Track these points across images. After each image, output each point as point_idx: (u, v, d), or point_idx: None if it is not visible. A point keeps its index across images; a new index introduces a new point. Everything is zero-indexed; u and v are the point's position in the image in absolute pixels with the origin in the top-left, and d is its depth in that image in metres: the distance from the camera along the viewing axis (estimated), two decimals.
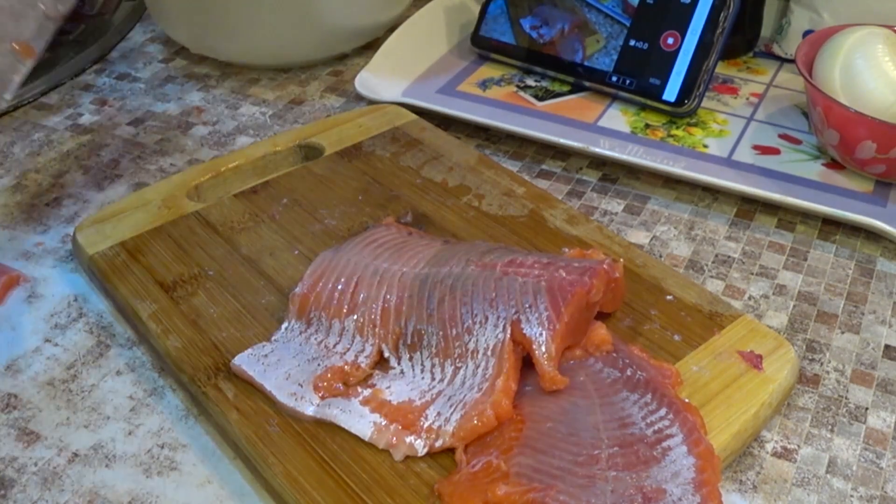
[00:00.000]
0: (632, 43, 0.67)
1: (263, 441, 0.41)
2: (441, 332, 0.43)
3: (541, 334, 0.41)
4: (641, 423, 0.39)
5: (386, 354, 0.45)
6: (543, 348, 0.41)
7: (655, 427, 0.39)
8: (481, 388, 0.41)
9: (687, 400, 0.41)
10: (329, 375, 0.43)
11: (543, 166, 0.63)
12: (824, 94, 0.57)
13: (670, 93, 0.65)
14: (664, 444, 0.38)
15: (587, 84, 0.69)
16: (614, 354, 0.43)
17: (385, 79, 0.70)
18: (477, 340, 0.42)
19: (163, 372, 0.47)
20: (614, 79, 0.67)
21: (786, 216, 0.58)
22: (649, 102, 0.66)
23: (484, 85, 0.71)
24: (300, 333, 0.46)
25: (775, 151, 0.62)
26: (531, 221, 0.54)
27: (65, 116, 0.70)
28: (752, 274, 0.54)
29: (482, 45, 0.73)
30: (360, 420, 0.41)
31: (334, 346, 0.45)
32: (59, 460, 0.43)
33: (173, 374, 0.46)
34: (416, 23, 0.76)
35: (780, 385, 0.43)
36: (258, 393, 0.43)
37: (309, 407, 0.42)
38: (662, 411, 0.40)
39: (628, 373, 0.41)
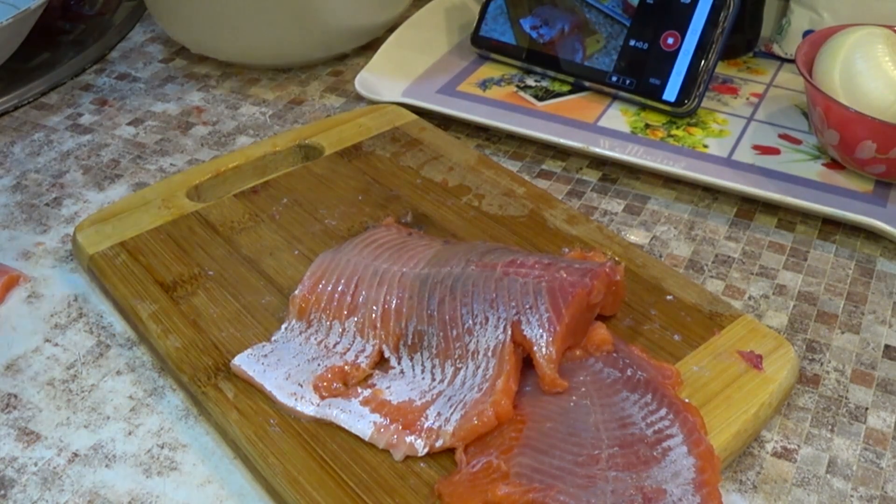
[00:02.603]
0: (632, 43, 0.67)
1: (263, 441, 0.41)
2: (441, 333, 0.43)
3: (541, 336, 0.41)
4: (641, 424, 0.39)
5: (386, 355, 0.45)
6: (544, 350, 0.41)
7: (655, 427, 0.39)
8: (481, 388, 0.41)
9: (687, 400, 0.41)
10: (329, 375, 0.43)
11: (543, 166, 0.63)
12: (824, 94, 0.57)
13: (670, 93, 0.65)
14: (664, 445, 0.38)
15: (587, 84, 0.69)
16: (614, 355, 0.43)
17: (385, 79, 0.70)
18: (477, 341, 0.42)
19: (163, 372, 0.47)
20: (614, 79, 0.67)
21: (786, 216, 0.58)
22: (649, 102, 0.66)
23: (484, 85, 0.71)
24: (300, 333, 0.46)
25: (775, 151, 0.62)
26: (531, 221, 0.54)
27: (65, 116, 0.70)
28: (752, 274, 0.54)
29: (482, 45, 0.73)
30: (360, 420, 0.41)
31: (334, 346, 0.45)
32: (59, 460, 0.43)
33: (173, 374, 0.46)
34: (416, 23, 0.76)
35: (780, 385, 0.43)
36: (258, 393, 0.43)
37: (309, 407, 0.42)
38: (662, 411, 0.40)
39: (628, 373, 0.41)
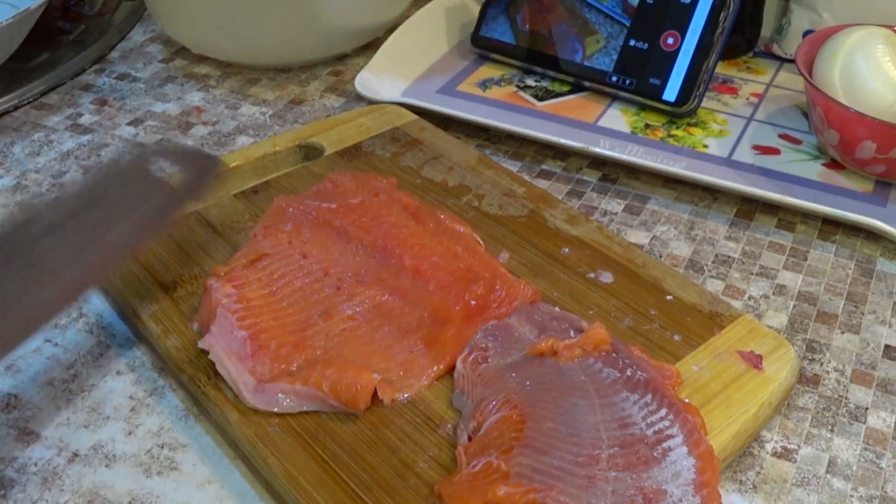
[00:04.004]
0: (632, 43, 0.67)
1: (263, 441, 0.41)
2: None
3: None
4: (642, 424, 0.39)
5: None
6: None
7: (656, 427, 0.39)
8: None
9: (687, 400, 0.41)
10: None
11: (543, 166, 0.63)
12: (824, 94, 0.57)
13: (670, 93, 0.65)
14: (664, 445, 0.38)
15: (587, 84, 0.69)
16: (614, 354, 0.43)
17: (385, 79, 0.70)
18: None
19: (163, 372, 0.47)
20: (614, 79, 0.67)
21: (786, 216, 0.58)
22: (649, 102, 0.66)
23: (484, 85, 0.71)
24: None
25: (775, 151, 0.62)
26: (531, 221, 0.54)
27: (65, 116, 0.70)
28: (752, 274, 0.54)
29: (482, 45, 0.73)
30: None
31: None
32: (59, 460, 0.43)
33: (173, 374, 0.46)
34: (416, 23, 0.76)
35: (780, 385, 0.43)
36: None
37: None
38: (663, 412, 0.40)
39: (628, 373, 0.41)
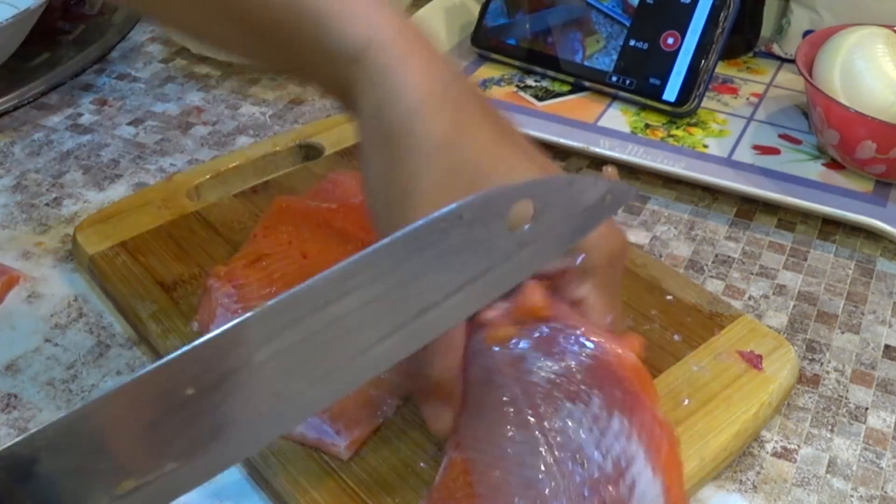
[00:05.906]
0: (632, 43, 0.67)
1: None
2: None
3: None
4: (596, 456, 0.34)
5: None
6: None
7: (613, 454, 0.34)
8: None
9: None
10: None
11: None
12: (824, 94, 0.57)
13: (670, 93, 0.65)
14: (628, 478, 0.33)
15: (587, 84, 0.69)
16: (546, 329, 0.36)
17: None
18: None
19: None
20: (614, 79, 0.67)
21: (786, 216, 0.58)
22: (649, 102, 0.66)
23: (484, 85, 0.71)
24: None
25: (775, 151, 0.62)
26: None
27: (65, 116, 0.70)
28: (752, 274, 0.54)
29: (482, 45, 0.73)
30: None
31: None
32: None
33: None
34: (415, 23, 0.76)
35: (780, 385, 0.43)
36: None
37: None
38: (615, 424, 0.34)
39: (571, 363, 0.35)
